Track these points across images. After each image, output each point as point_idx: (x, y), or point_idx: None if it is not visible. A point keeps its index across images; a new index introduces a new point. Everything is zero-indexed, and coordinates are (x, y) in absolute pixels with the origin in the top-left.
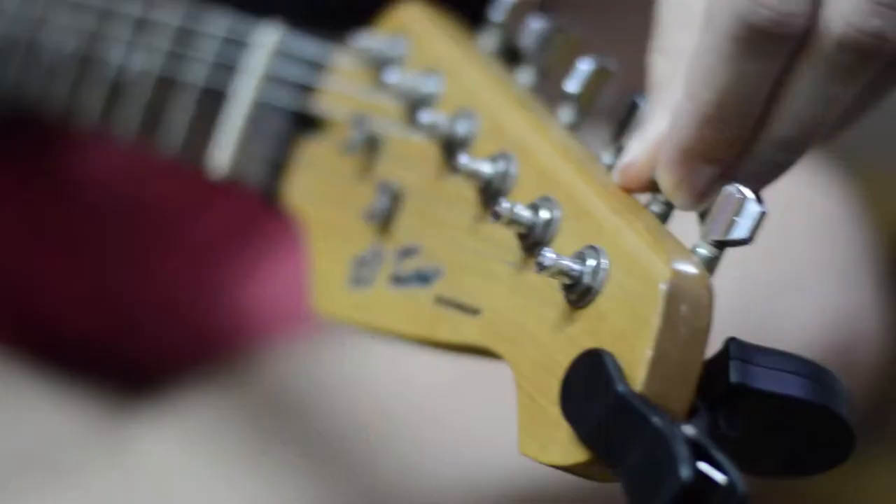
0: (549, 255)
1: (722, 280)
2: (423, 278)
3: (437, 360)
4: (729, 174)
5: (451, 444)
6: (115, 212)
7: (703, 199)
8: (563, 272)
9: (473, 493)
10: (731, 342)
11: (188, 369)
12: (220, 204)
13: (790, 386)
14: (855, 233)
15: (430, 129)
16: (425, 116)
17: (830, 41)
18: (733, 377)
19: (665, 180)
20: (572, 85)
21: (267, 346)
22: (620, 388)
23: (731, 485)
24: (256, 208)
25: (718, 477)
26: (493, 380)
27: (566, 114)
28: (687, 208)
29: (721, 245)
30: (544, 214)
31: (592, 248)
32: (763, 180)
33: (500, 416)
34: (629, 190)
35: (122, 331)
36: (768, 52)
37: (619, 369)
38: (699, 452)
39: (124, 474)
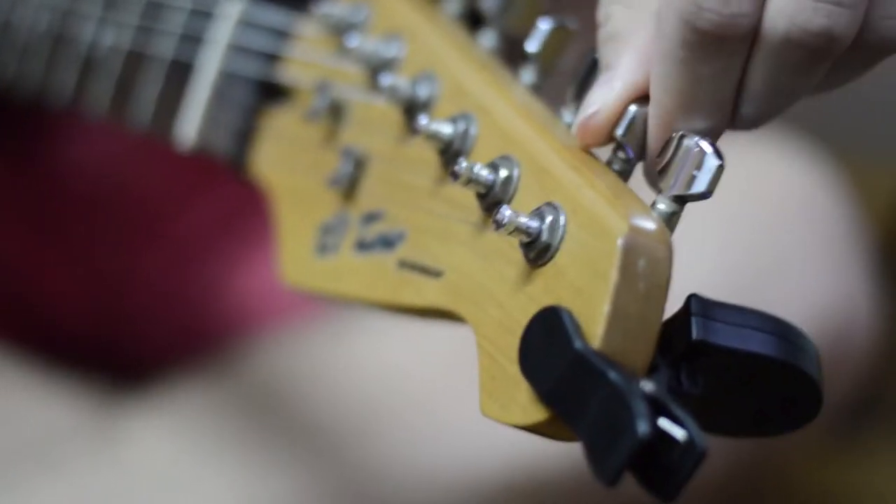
0: (506, 212)
1: (712, 267)
2: (386, 243)
3: (427, 346)
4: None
5: (443, 432)
6: (103, 204)
7: None
8: (520, 230)
9: (467, 480)
10: (693, 298)
11: (180, 361)
12: (209, 195)
13: (754, 342)
14: (844, 221)
15: (391, 93)
16: (386, 80)
17: (777, 39)
18: (695, 334)
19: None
20: (532, 44)
21: (257, 337)
22: (578, 344)
23: (690, 440)
24: (245, 198)
25: (678, 433)
26: None
27: (528, 74)
28: None
29: (681, 200)
30: (503, 173)
31: (551, 204)
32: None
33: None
34: (592, 142)
35: (113, 323)
36: (720, 52)
37: (577, 326)
38: (658, 408)
39: (117, 466)
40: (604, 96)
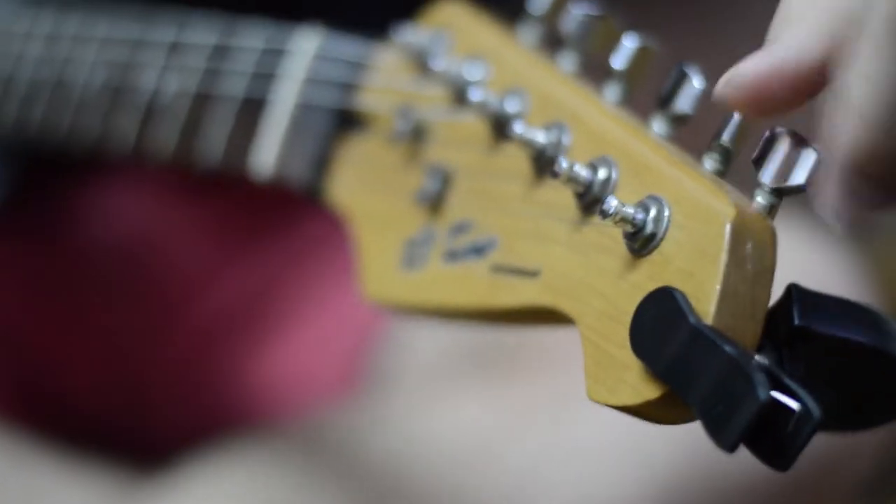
0: (612, 202)
1: None
2: (477, 250)
3: (471, 416)
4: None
5: None
6: (126, 286)
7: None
8: (626, 219)
9: None
10: (794, 287)
11: (204, 444)
12: (232, 277)
13: (853, 331)
14: (856, 295)
15: (481, 108)
16: (476, 95)
17: None
18: (797, 320)
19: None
20: (618, 61)
21: (284, 421)
22: (692, 319)
23: (805, 409)
24: (268, 279)
25: (792, 404)
26: (529, 434)
27: (611, 92)
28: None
29: (779, 193)
30: (602, 173)
31: (654, 197)
32: None
33: (544, 470)
34: (733, 95)
35: (136, 405)
36: None
37: (690, 304)
38: (772, 381)
39: None
40: (757, 59)
